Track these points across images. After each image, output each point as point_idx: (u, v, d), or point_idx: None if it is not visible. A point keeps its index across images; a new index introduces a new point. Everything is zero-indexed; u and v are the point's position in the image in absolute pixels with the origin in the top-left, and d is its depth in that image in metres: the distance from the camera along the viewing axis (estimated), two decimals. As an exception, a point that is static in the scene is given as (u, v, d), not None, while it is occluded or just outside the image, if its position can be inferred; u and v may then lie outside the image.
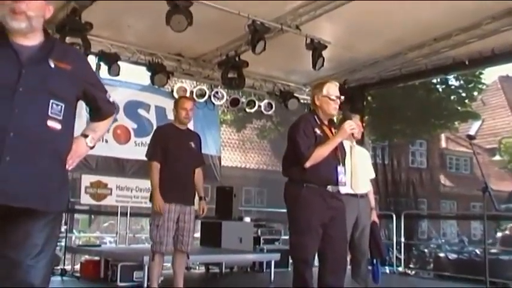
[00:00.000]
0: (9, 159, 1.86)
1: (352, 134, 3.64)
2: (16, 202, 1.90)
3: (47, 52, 2.07)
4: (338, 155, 3.70)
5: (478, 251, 8.56)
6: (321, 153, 3.56)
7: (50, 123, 2.01)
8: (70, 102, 2.14)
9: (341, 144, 3.81)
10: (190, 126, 5.41)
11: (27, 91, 1.94)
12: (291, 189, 3.70)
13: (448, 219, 17.64)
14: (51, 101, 2.02)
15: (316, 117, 3.74)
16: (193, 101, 5.23)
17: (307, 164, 3.55)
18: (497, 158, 19.30)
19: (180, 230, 4.62)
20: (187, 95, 8.07)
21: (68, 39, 6.20)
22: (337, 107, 3.73)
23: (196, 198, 4.87)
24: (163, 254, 4.65)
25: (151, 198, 4.66)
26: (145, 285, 5.60)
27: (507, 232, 10.08)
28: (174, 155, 4.63)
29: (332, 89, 3.74)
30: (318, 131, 3.65)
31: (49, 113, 2.01)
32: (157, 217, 4.56)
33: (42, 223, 2.01)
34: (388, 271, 8.56)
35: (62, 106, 2.05)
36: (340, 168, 3.66)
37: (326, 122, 3.75)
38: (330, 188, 3.63)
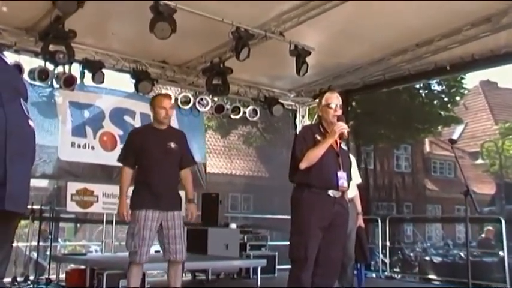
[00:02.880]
0: (9, 162, 1.73)
1: (343, 134, 3.72)
2: (19, 208, 1.78)
3: None
4: (339, 161, 3.80)
5: (462, 254, 8.66)
6: (314, 154, 3.68)
7: (31, 122, 1.88)
8: (26, 101, 1.95)
9: (345, 153, 3.95)
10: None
11: (4, 89, 1.78)
12: (295, 193, 3.83)
13: (432, 222, 17.75)
14: (21, 99, 1.87)
15: (320, 126, 3.92)
16: (171, 98, 4.81)
17: (302, 165, 3.69)
18: (479, 161, 19.52)
19: (166, 238, 4.24)
20: (172, 102, 8.05)
21: (51, 47, 6.20)
22: (337, 114, 3.84)
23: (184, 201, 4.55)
24: (140, 265, 4.25)
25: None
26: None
27: (483, 235, 10.20)
28: (149, 158, 4.28)
29: (331, 98, 3.91)
30: (318, 137, 3.80)
31: (25, 112, 1.86)
32: (132, 225, 4.20)
33: (13, 228, 1.92)
34: (374, 275, 8.62)
35: (26, 105, 1.89)
36: (340, 174, 3.76)
37: (330, 131, 3.84)
38: (331, 192, 3.71)
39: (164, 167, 4.33)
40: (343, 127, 3.75)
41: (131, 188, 4.40)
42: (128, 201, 4.38)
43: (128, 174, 4.33)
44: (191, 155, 4.68)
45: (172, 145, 4.40)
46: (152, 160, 4.30)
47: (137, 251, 4.16)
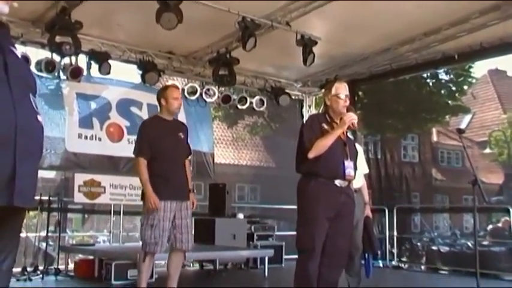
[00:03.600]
0: (19, 158, 1.74)
1: (352, 124, 3.72)
2: (28, 203, 1.82)
3: (5, 38, 1.89)
4: (346, 150, 3.79)
5: (469, 244, 8.63)
6: (323, 143, 3.67)
7: (39, 118, 1.88)
8: (35, 96, 1.96)
9: (351, 143, 3.94)
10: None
11: (15, 84, 1.79)
12: (301, 183, 3.81)
13: (440, 212, 17.73)
14: (30, 94, 1.88)
15: (327, 115, 3.90)
16: (179, 89, 4.93)
17: (310, 155, 3.66)
18: (487, 151, 19.41)
19: (178, 228, 4.33)
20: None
21: (58, 39, 6.20)
22: (346, 105, 3.84)
23: None
24: (154, 255, 4.36)
25: (142, 196, 4.35)
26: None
27: (499, 225, 10.16)
28: (164, 149, 4.37)
29: (340, 88, 3.89)
30: (325, 126, 3.79)
31: (34, 108, 1.87)
32: (151, 216, 4.24)
33: (21, 220, 1.96)
34: (381, 265, 8.63)
35: (35, 100, 1.90)
36: (347, 163, 3.75)
37: (338, 120, 3.84)
38: (338, 182, 3.71)
39: (177, 158, 4.47)
40: (353, 117, 3.74)
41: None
42: (139, 192, 4.48)
43: (145, 166, 4.36)
44: (189, 146, 4.77)
45: (182, 136, 4.55)
46: (167, 151, 4.39)
47: (158, 242, 4.24)
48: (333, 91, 3.87)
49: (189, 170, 4.66)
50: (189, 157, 4.78)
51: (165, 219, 4.26)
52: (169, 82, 8.29)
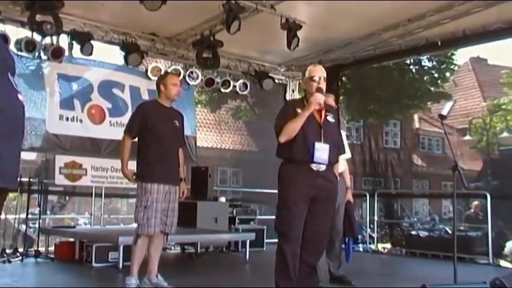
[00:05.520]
0: (0, 139, 1.73)
1: (320, 105, 3.69)
2: (10, 184, 1.80)
3: None
4: (320, 133, 3.71)
5: (447, 229, 8.78)
6: (291, 126, 3.67)
7: (20, 96, 1.88)
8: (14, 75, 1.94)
9: (332, 126, 3.82)
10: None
11: None
12: (280, 168, 3.83)
13: (420, 197, 17.96)
14: (9, 73, 1.86)
15: (305, 100, 3.85)
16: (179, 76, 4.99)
17: (281, 139, 3.69)
18: (467, 137, 19.61)
19: (164, 211, 4.41)
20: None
21: (38, 17, 6.08)
22: (320, 86, 3.77)
23: None
24: (148, 237, 4.40)
25: (137, 179, 4.42)
26: (121, 265, 5.61)
27: (472, 210, 10.34)
28: (161, 133, 4.43)
29: (314, 71, 3.86)
30: (299, 111, 3.73)
31: (14, 87, 1.86)
32: (144, 198, 4.32)
33: (2, 201, 1.93)
34: (361, 249, 8.73)
35: (14, 79, 1.89)
36: (318, 145, 3.67)
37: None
38: (313, 166, 3.67)
39: (173, 144, 4.55)
40: (318, 98, 3.70)
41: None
42: (121, 174, 4.54)
43: (129, 145, 4.47)
44: (184, 136, 4.91)
45: (177, 123, 4.62)
46: (163, 136, 4.45)
47: (151, 223, 4.31)
48: (307, 74, 3.86)
49: (182, 159, 4.73)
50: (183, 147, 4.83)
51: (158, 200, 4.36)
52: (153, 64, 8.23)
